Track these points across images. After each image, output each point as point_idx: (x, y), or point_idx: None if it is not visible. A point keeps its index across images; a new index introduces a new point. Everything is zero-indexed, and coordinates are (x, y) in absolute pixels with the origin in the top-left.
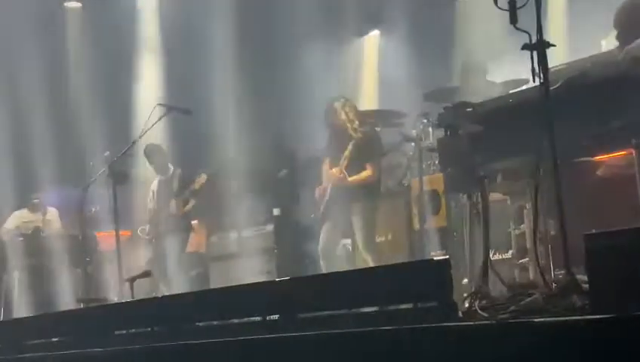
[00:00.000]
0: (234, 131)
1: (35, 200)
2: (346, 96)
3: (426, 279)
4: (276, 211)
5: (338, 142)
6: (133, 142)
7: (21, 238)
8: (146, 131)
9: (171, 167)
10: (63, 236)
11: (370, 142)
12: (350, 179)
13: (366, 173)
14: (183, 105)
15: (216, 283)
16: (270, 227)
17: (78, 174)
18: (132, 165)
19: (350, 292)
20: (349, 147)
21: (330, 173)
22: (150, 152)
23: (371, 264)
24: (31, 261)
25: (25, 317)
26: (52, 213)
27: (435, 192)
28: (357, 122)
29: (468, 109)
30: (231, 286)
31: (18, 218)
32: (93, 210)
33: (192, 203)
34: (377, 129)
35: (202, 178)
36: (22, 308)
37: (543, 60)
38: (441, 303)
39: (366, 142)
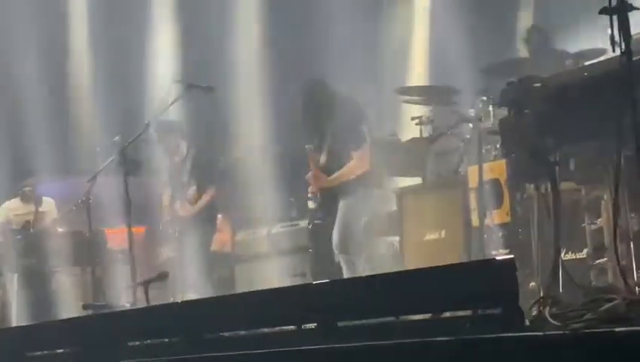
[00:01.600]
0: (261, 112)
1: (27, 189)
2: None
3: (488, 282)
4: (311, 204)
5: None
6: (147, 125)
7: (19, 236)
8: (161, 112)
9: (185, 148)
10: (67, 233)
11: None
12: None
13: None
14: (203, 83)
15: (242, 286)
16: (304, 222)
17: (83, 162)
18: (146, 151)
19: (398, 297)
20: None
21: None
22: (163, 129)
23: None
24: (31, 261)
25: (25, 326)
26: (48, 203)
27: (497, 182)
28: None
29: (535, 85)
30: (260, 291)
31: (8, 209)
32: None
33: (211, 192)
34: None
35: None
36: (21, 315)
37: (624, 26)
38: (505, 310)
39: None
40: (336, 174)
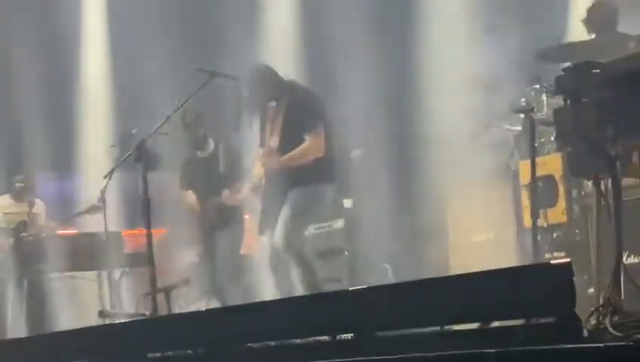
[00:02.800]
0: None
1: (19, 185)
2: None
3: (542, 288)
4: (347, 202)
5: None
6: (168, 117)
7: (30, 237)
8: (183, 103)
9: (211, 142)
10: (81, 235)
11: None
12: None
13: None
14: (228, 71)
15: (272, 293)
16: (340, 223)
17: (97, 157)
18: (167, 146)
19: (443, 304)
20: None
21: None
22: (189, 118)
23: (291, 269)
24: (42, 266)
25: (37, 336)
26: (39, 206)
27: (551, 178)
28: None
29: (594, 71)
30: (291, 298)
31: None
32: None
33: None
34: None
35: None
36: (32, 324)
37: None
38: (561, 319)
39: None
40: (287, 155)
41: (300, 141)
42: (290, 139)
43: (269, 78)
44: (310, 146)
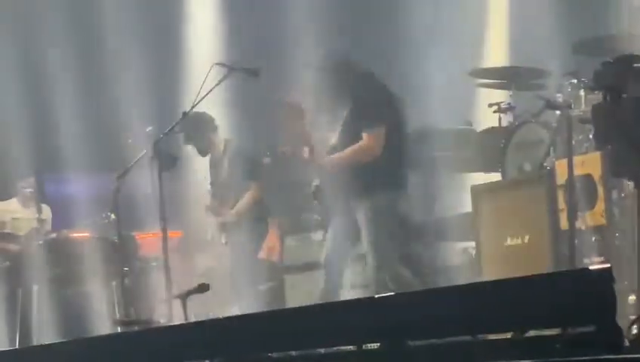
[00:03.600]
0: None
1: (28, 190)
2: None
3: (580, 295)
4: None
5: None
6: (184, 114)
7: (41, 241)
8: (200, 100)
9: (221, 142)
10: (93, 239)
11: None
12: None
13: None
14: (248, 65)
15: (293, 300)
16: None
17: (110, 156)
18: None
19: (475, 312)
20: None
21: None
22: (189, 128)
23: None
24: (53, 272)
25: (47, 344)
26: (46, 211)
27: (590, 178)
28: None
29: (636, 65)
30: (314, 305)
31: (5, 212)
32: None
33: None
34: None
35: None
36: (42, 331)
37: None
38: (601, 328)
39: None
40: (338, 154)
41: (358, 140)
42: (348, 139)
43: (346, 70)
44: (366, 145)
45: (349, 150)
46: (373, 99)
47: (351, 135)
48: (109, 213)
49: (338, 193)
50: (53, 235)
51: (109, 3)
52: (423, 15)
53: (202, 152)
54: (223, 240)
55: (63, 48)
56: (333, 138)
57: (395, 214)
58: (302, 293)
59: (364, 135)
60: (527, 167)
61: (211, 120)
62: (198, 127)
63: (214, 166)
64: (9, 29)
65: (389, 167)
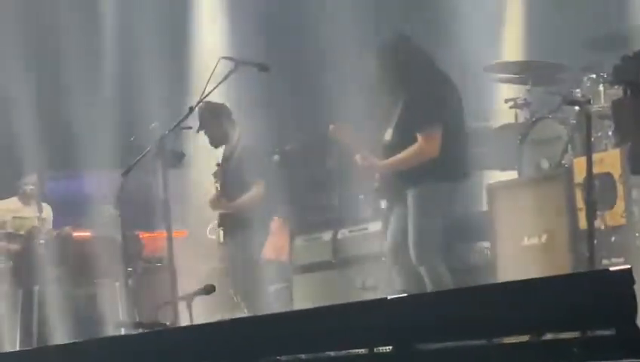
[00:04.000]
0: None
1: (29, 188)
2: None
3: (599, 297)
4: (385, 203)
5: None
6: (191, 110)
7: (43, 241)
8: (207, 95)
9: (235, 136)
10: (95, 238)
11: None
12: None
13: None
14: (256, 59)
15: (302, 301)
16: (377, 225)
17: (112, 153)
18: (189, 141)
19: (490, 314)
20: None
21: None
22: (208, 113)
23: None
24: (55, 272)
25: (48, 347)
26: (47, 209)
27: (609, 176)
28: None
29: None
30: (323, 307)
31: (5, 211)
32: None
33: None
34: None
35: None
36: (42, 334)
37: None
38: (621, 331)
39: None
40: (395, 158)
41: (414, 139)
42: (404, 136)
43: (407, 57)
44: (422, 148)
45: (404, 155)
46: (432, 95)
47: (406, 133)
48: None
49: (395, 183)
50: (56, 234)
51: None
52: (438, 10)
53: (215, 142)
54: (220, 239)
55: (67, 42)
56: (387, 134)
57: (441, 206)
58: (311, 294)
59: (420, 137)
60: (545, 164)
61: (229, 113)
62: (215, 116)
63: (226, 159)
64: (20, 15)
65: (443, 157)
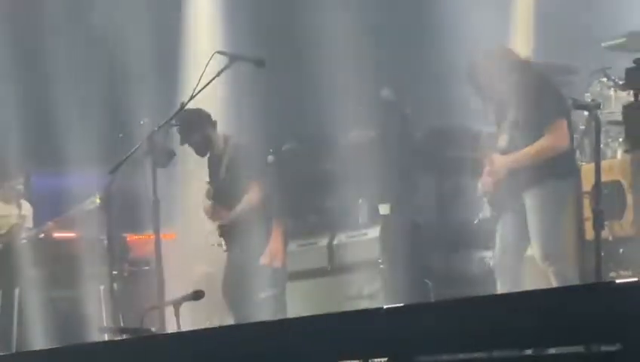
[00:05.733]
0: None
1: (11, 185)
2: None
3: (605, 311)
4: (384, 208)
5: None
6: (182, 106)
7: (24, 240)
8: (199, 91)
9: (220, 139)
10: (79, 239)
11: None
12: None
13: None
14: (252, 54)
15: (296, 309)
16: (375, 231)
17: (100, 150)
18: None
19: (491, 326)
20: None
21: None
22: (184, 127)
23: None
24: (37, 274)
25: (29, 352)
26: (26, 207)
27: (619, 185)
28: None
29: None
30: (318, 316)
31: None
32: (97, 200)
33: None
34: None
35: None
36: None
37: None
38: (628, 346)
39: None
40: (519, 153)
41: (536, 136)
42: (525, 136)
43: (504, 55)
44: (550, 142)
45: (533, 149)
46: (542, 87)
47: (528, 134)
48: (93, 198)
49: (507, 186)
50: (38, 234)
51: None
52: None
53: (201, 152)
54: (224, 247)
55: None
56: (502, 140)
57: (564, 203)
58: (305, 302)
59: (547, 131)
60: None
61: (208, 116)
62: (193, 126)
63: (213, 165)
64: (5, 24)
65: (560, 155)
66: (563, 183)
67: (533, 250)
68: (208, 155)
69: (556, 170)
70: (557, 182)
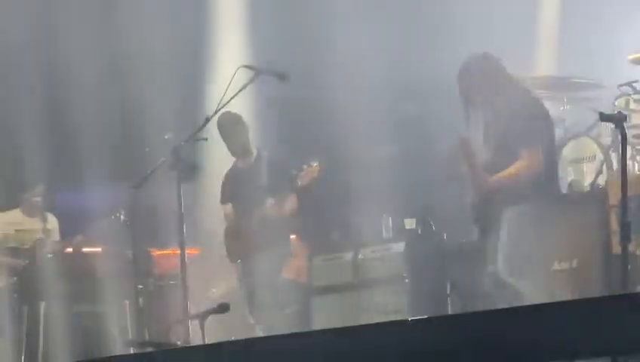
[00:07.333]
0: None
1: (35, 199)
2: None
3: (632, 323)
4: (410, 222)
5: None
6: (207, 120)
7: (50, 255)
8: (224, 105)
9: (254, 150)
10: (105, 254)
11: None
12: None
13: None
14: (275, 69)
15: (321, 324)
16: (400, 245)
17: (125, 165)
18: (205, 153)
19: (517, 339)
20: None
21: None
22: (227, 124)
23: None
24: (62, 288)
25: None
26: (52, 221)
27: None
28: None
29: None
30: (342, 328)
31: (7, 224)
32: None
33: (292, 203)
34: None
35: (314, 169)
36: (50, 352)
37: None
38: None
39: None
40: (499, 175)
41: (514, 156)
42: (504, 154)
43: (491, 71)
44: (528, 164)
45: (513, 170)
46: (529, 110)
47: (506, 152)
48: (118, 215)
49: (493, 205)
50: (64, 249)
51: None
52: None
53: (236, 152)
54: (244, 258)
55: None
56: (485, 152)
57: (538, 226)
58: (330, 317)
59: (524, 152)
60: (577, 185)
61: (245, 124)
62: (234, 125)
63: (243, 175)
64: (30, 35)
65: (539, 177)
66: (541, 206)
67: (500, 264)
68: (240, 165)
69: (533, 191)
70: (534, 205)
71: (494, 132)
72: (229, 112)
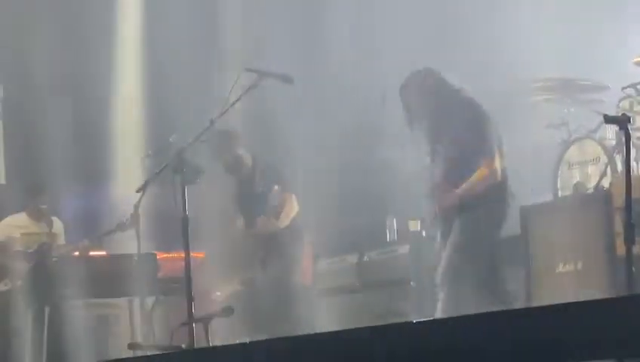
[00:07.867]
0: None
1: (41, 203)
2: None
3: (637, 325)
4: (414, 225)
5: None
6: (211, 123)
7: (55, 258)
8: (229, 107)
9: (248, 161)
10: (110, 257)
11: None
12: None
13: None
14: (280, 71)
15: (325, 325)
16: (404, 248)
17: (127, 168)
18: (209, 155)
19: (522, 340)
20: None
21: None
22: (218, 143)
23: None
24: (64, 293)
25: None
26: (58, 225)
27: None
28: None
29: None
30: (347, 331)
31: (12, 226)
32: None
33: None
34: None
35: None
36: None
37: None
38: None
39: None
40: (465, 185)
41: (472, 167)
42: (462, 166)
43: (441, 90)
44: (487, 173)
45: (474, 179)
46: (479, 122)
47: (464, 164)
48: (124, 220)
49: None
50: (72, 252)
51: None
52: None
53: (231, 171)
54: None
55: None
56: (437, 171)
57: (486, 230)
58: (334, 319)
59: (483, 162)
60: (581, 187)
61: (238, 137)
62: (224, 147)
63: (243, 183)
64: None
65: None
66: (493, 207)
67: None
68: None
69: (487, 198)
70: (486, 207)
71: (446, 145)
72: (219, 131)
